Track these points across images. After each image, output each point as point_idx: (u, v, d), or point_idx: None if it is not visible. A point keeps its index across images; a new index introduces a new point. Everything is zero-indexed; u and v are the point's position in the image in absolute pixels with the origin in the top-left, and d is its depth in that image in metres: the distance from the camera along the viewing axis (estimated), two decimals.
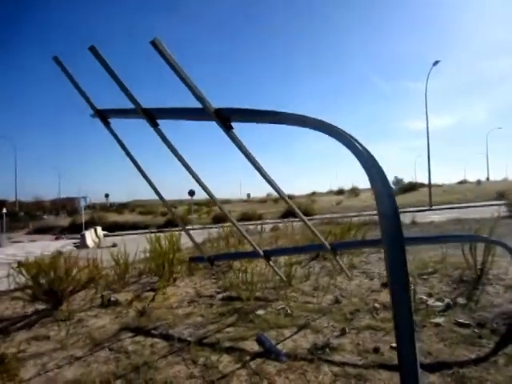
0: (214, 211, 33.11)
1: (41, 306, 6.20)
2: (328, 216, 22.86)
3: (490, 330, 3.61)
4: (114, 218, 30.98)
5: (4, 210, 25.58)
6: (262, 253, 4.90)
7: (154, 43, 2.15)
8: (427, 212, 24.47)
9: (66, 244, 18.52)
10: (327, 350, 3.57)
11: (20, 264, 6.70)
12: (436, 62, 28.93)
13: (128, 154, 4.05)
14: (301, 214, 3.83)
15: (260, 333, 4.15)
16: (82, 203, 25.41)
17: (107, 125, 3.83)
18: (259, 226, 13.80)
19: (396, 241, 1.96)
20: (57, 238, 23.95)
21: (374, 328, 4.01)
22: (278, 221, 22.66)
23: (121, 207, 61.07)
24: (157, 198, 4.48)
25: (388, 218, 1.95)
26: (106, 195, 65.39)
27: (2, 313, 6.28)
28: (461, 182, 58.63)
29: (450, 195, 33.27)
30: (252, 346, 3.93)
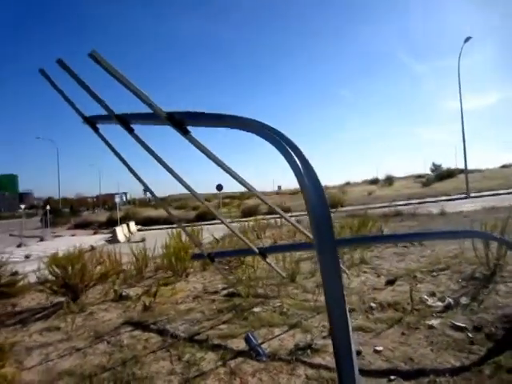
0: (246, 205, 33.40)
1: (61, 299, 6.54)
2: (353, 208, 22.35)
3: (485, 334, 3.38)
4: (149, 212, 32.06)
5: (48, 207, 27.33)
6: (256, 250, 4.88)
7: (92, 56, 2.16)
8: (463, 200, 23.15)
9: (100, 238, 19.45)
10: (308, 351, 3.51)
11: (49, 259, 7.16)
12: (467, 39, 27.01)
13: (118, 156, 4.15)
14: (281, 212, 3.77)
15: (249, 331, 4.15)
16: (117, 199, 26.58)
17: (96, 130, 3.94)
18: (279, 220, 13.78)
19: (326, 243, 1.88)
20: (95, 233, 25.20)
21: (364, 329, 3.88)
22: (305, 213, 22.41)
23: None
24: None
25: (318, 219, 1.88)
26: (145, 190, 67.81)
27: (28, 304, 6.74)
28: (504, 166, 53.13)
29: (490, 181, 31.19)
30: (239, 344, 3.94)
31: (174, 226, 25.32)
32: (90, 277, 6.66)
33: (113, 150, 4.22)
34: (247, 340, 3.95)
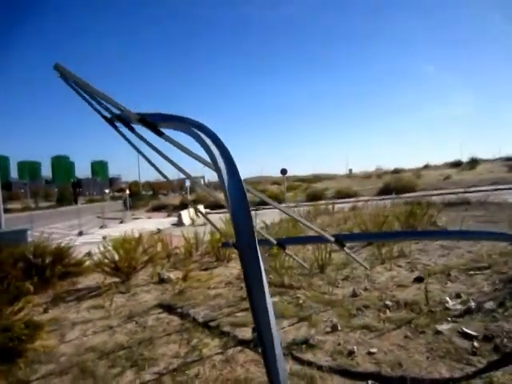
0: (313, 189, 33.05)
1: (115, 279, 7.31)
2: (424, 193, 20.77)
3: (494, 345, 3.05)
4: (218, 196, 33.42)
5: (127, 191, 30.14)
6: (274, 241, 4.94)
7: (57, 68, 2.39)
8: None
9: (170, 221, 20.93)
10: (303, 346, 3.53)
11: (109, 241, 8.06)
12: None
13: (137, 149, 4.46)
14: (271, 201, 3.79)
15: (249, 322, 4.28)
16: (187, 183, 28.17)
17: (115, 128, 4.30)
18: (331, 206, 13.47)
19: (244, 243, 1.91)
20: (168, 216, 27.14)
21: (370, 328, 3.76)
22: (373, 198, 21.52)
23: None
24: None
25: (237, 218, 1.92)
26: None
27: (88, 283, 7.65)
28: None
29: None
30: (246, 333, 4.10)
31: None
32: (136, 260, 7.33)
33: (132, 145, 4.56)
34: (254, 330, 4.09)
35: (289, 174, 29.44)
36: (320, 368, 3.08)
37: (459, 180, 26.81)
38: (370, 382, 2.77)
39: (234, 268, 7.45)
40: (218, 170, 1.94)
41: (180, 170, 3.81)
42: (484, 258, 5.52)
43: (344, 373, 2.98)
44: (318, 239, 4.86)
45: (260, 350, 3.56)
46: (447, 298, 4.13)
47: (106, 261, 7.42)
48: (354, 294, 4.79)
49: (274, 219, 11.37)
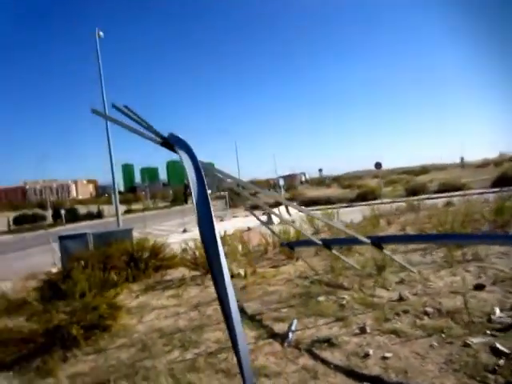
0: (414, 182, 30.71)
1: (197, 273, 8.25)
2: None
3: None
4: (314, 193, 33.60)
5: (223, 192, 32.52)
6: (319, 242, 5.11)
7: (94, 111, 3.07)
8: None
9: (263, 219, 21.94)
10: (325, 345, 3.69)
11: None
12: None
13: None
14: (284, 200, 3.96)
15: (295, 318, 4.55)
16: (281, 182, 29.00)
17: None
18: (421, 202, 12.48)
19: (209, 239, 2.30)
20: (264, 214, 28.37)
21: (398, 334, 3.71)
22: (485, 191, 19.11)
23: (333, 181, 64.48)
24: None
25: (202, 221, 2.32)
26: (320, 170, 69.98)
27: (176, 275, 8.75)
28: None
29: None
30: (283, 327, 4.40)
31: (331, 206, 25.81)
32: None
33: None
34: (290, 325, 4.38)
35: (395, 165, 27.90)
36: (331, 367, 3.25)
37: None
38: (365, 383, 2.85)
39: (301, 266, 7.70)
40: (190, 179, 2.37)
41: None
42: None
43: (348, 373, 3.09)
44: (355, 241, 4.85)
45: (281, 342, 3.87)
46: (497, 310, 3.77)
47: (188, 257, 8.47)
48: (401, 299, 4.65)
49: (352, 219, 11.20)
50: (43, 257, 11.96)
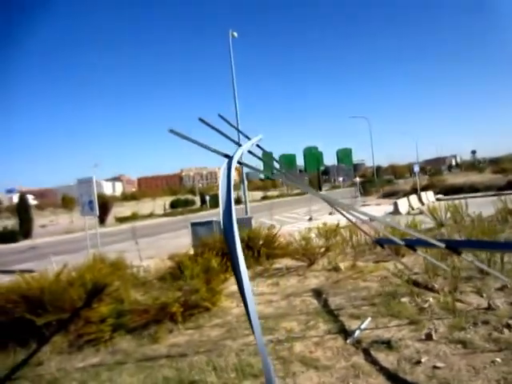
0: None
1: (302, 263, 8.73)
2: None
3: None
4: (460, 179, 29.76)
5: (357, 178, 31.54)
6: (401, 242, 4.95)
7: (172, 132, 3.76)
8: None
9: (390, 209, 20.72)
10: (383, 346, 3.73)
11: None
12: None
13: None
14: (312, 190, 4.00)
15: (369, 317, 4.61)
16: (416, 169, 26.59)
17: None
18: None
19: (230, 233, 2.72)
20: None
21: (466, 344, 3.47)
22: None
23: (489, 164, 55.60)
24: None
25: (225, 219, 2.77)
26: (473, 152, 61.78)
27: (284, 264, 9.34)
28: None
29: None
30: (354, 324, 4.54)
31: (479, 194, 22.75)
32: (314, 249, 8.49)
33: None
34: (361, 323, 4.49)
35: None
36: (376, 366, 3.33)
37: None
38: None
39: (404, 264, 7.35)
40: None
41: None
42: None
43: (390, 376, 3.14)
44: (427, 243, 4.50)
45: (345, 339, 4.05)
46: None
47: (294, 248, 9.01)
48: (489, 307, 4.19)
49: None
50: (187, 238, 14.17)
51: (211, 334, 5.03)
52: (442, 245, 3.97)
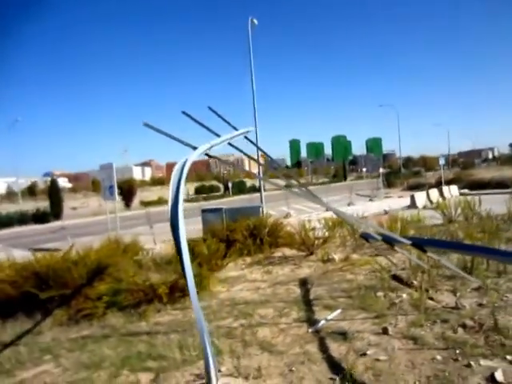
0: None
1: (301, 253, 8.90)
2: None
3: None
4: (485, 174, 28.48)
5: (381, 170, 30.89)
6: (407, 241, 4.99)
7: (146, 125, 4.01)
8: None
9: (407, 203, 20.26)
10: (340, 337, 3.89)
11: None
12: None
13: None
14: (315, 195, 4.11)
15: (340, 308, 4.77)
16: (441, 161, 25.72)
17: None
18: None
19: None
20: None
21: (417, 341, 3.57)
22: None
23: None
24: None
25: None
26: (511, 145, 58.88)
27: (285, 253, 9.52)
28: None
29: None
30: (324, 315, 4.71)
31: (508, 191, 21.89)
32: (312, 240, 8.63)
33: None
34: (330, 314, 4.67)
35: None
36: (323, 355, 3.51)
37: None
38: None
39: (399, 259, 7.37)
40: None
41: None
42: None
43: (331, 364, 3.32)
44: (395, 240, 4.54)
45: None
46: None
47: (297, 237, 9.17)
48: (456, 307, 4.24)
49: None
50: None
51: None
52: (408, 242, 4.04)
